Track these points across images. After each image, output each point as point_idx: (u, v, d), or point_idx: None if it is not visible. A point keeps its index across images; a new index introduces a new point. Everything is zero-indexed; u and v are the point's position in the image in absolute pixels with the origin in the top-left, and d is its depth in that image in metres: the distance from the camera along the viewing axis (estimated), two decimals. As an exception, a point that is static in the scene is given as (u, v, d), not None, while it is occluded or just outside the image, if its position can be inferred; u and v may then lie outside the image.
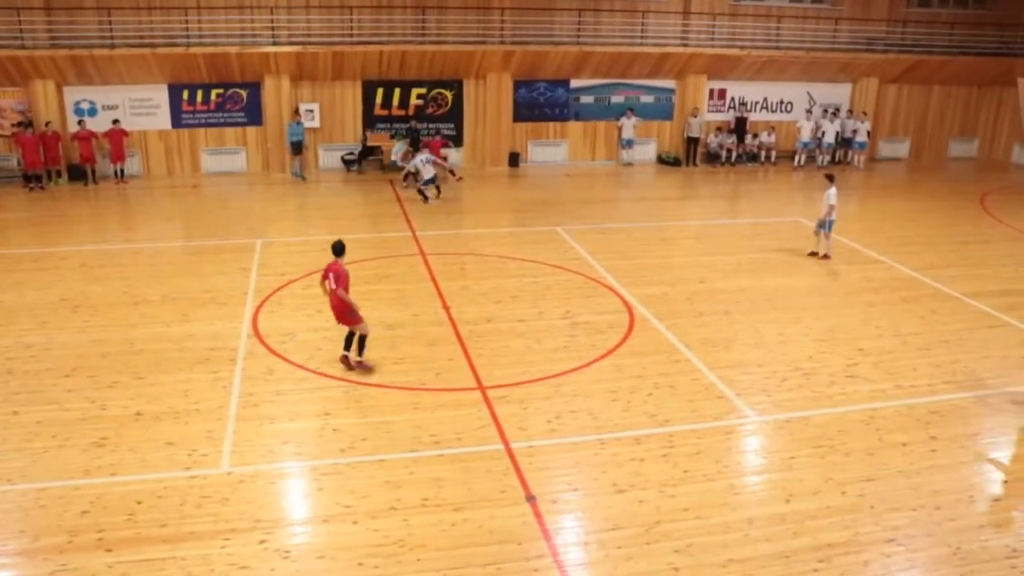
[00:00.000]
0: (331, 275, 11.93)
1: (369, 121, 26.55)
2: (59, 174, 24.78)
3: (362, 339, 12.35)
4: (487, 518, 8.94)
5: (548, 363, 12.69)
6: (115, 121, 24.57)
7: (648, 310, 14.86)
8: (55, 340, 13.55)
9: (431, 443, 10.40)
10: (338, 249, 12.15)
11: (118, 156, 24.66)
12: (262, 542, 8.58)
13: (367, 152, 26.05)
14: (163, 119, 25.46)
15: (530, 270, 16.94)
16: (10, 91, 24.41)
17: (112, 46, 23.88)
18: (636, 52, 27.00)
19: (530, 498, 9.27)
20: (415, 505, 9.15)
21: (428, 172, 22.58)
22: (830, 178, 17.88)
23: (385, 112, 26.57)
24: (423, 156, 22.87)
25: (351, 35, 25.18)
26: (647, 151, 29.10)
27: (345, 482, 9.60)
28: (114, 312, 14.68)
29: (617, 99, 28.22)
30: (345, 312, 12.08)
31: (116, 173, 24.85)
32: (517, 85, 27.19)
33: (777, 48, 28.12)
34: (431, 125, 26.83)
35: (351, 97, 26.37)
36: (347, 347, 12.49)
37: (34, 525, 8.94)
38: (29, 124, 24.06)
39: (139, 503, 9.25)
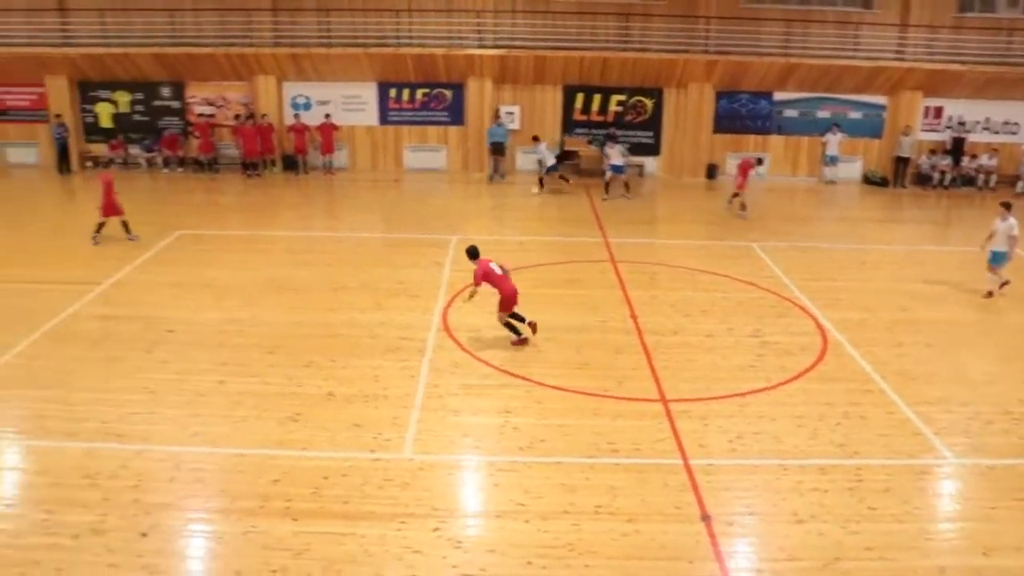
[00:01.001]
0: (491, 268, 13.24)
1: (568, 125, 26.76)
2: (273, 163, 26.45)
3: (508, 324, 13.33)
4: (660, 532, 8.76)
5: (734, 381, 12.32)
6: (327, 116, 25.96)
7: (843, 335, 14.15)
8: (260, 318, 14.41)
9: (609, 451, 10.31)
10: (473, 253, 13.62)
11: (328, 149, 26.05)
12: (436, 529, 8.77)
13: (564, 156, 26.22)
14: (371, 115, 26.65)
15: (721, 285, 16.52)
16: (236, 85, 26.28)
17: (329, 45, 25.26)
18: (846, 65, 25.80)
19: (705, 517, 9.02)
20: (588, 511, 9.09)
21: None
22: (1007, 206, 16.33)
23: (584, 117, 26.69)
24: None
25: (554, 40, 25.45)
26: (852, 169, 27.72)
27: (521, 480, 9.67)
28: (315, 296, 15.45)
29: (823, 114, 27.06)
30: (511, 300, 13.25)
31: (325, 165, 26.26)
32: (718, 96, 26.64)
33: (1005, 64, 26.13)
34: (629, 132, 26.70)
35: (551, 101, 26.66)
36: (516, 328, 13.37)
37: (232, 487, 9.56)
38: (250, 116, 25.90)
39: (325, 478, 9.69)
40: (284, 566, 8.23)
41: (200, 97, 26.61)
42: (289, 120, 26.26)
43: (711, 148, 27.13)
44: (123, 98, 26.86)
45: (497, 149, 25.94)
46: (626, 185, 23.84)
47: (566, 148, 26.59)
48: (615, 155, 23.70)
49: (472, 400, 11.61)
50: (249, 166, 25.95)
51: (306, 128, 25.88)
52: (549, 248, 18.75)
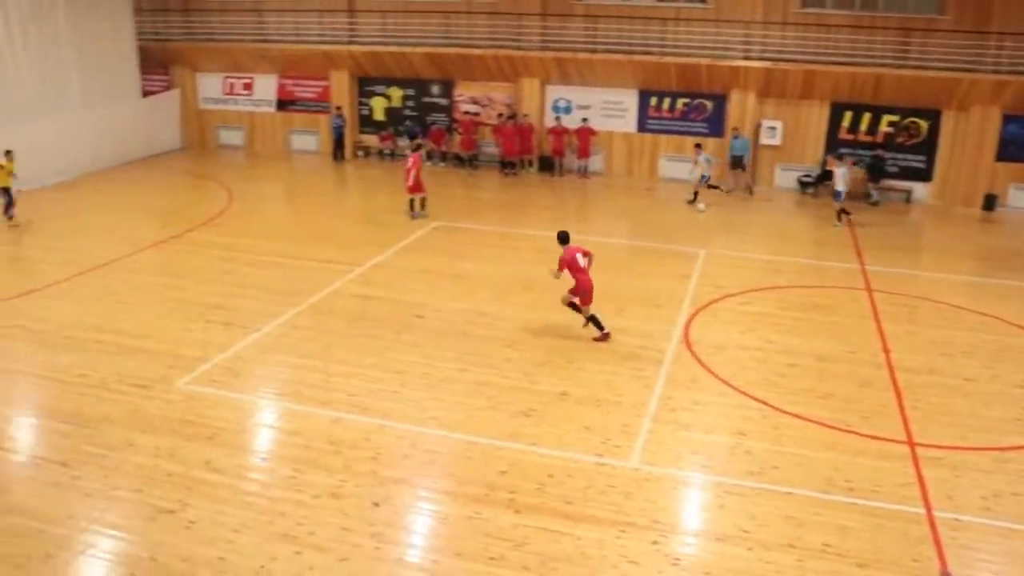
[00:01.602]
0: (577, 258, 13.63)
1: (832, 144, 25.55)
2: (531, 163, 27.22)
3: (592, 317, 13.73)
4: (893, 582, 8.23)
5: (994, 432, 11.29)
6: (584, 120, 26.35)
7: None
8: (505, 312, 14.89)
9: (844, 488, 9.78)
10: (563, 238, 14.05)
11: (584, 153, 26.45)
12: (655, 543, 8.70)
13: (825, 176, 25.09)
14: (630, 122, 26.75)
15: (990, 326, 15.18)
16: (502, 86, 27.27)
17: (594, 51, 25.65)
18: None
19: (945, 574, 8.35)
20: (815, 548, 8.67)
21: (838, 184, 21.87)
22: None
23: (850, 137, 25.37)
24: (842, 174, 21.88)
25: (825, 54, 24.39)
26: None
27: (747, 506, 9.39)
28: (559, 296, 15.69)
29: None
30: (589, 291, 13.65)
31: (580, 169, 26.67)
32: (1006, 120, 24.40)
33: None
34: (900, 155, 25.12)
35: (816, 118, 25.58)
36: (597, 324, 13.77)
37: (461, 472, 9.96)
38: (512, 116, 26.81)
39: (550, 476, 9.86)
40: (502, 555, 8.47)
41: (467, 96, 27.87)
42: (549, 122, 26.92)
43: (992, 177, 24.91)
44: (396, 93, 28.67)
45: (736, 163, 25.27)
46: (839, 214, 21.92)
47: (827, 168, 25.39)
48: (839, 179, 21.73)
49: (706, 417, 11.40)
50: (507, 165, 26.87)
51: (565, 131, 26.44)
52: (799, 270, 18.03)
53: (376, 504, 9.34)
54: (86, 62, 26.77)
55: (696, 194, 23.45)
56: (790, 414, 11.53)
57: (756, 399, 11.94)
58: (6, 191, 20.03)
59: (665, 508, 9.39)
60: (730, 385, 12.36)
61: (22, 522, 9.04)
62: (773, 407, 11.71)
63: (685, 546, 8.77)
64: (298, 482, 9.75)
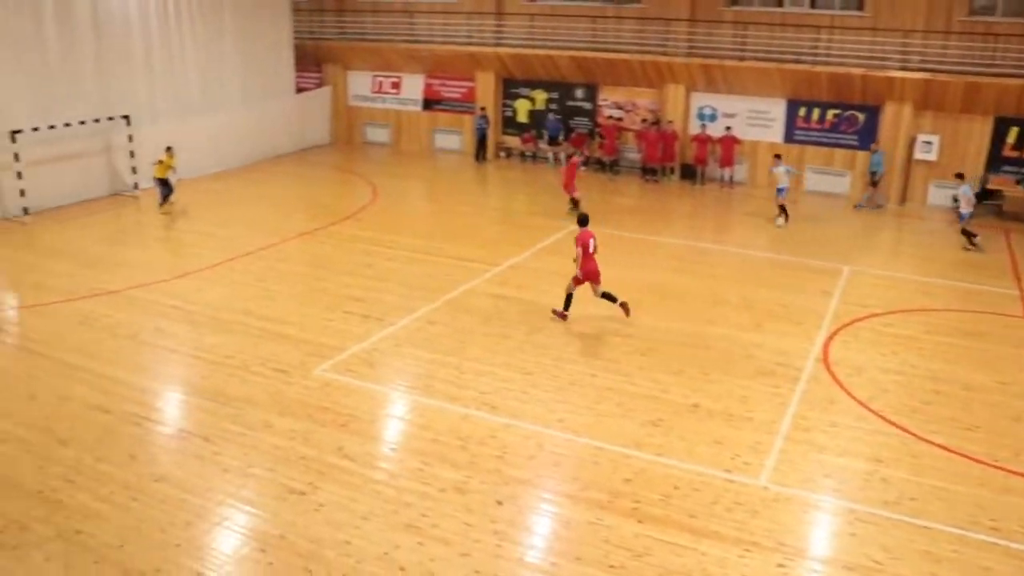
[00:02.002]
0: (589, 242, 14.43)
1: (994, 162, 24.18)
2: (672, 170, 26.89)
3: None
4: (1040, 631, 7.74)
5: None
6: (728, 128, 25.82)
7: None
8: (639, 320, 14.77)
9: (988, 527, 9.24)
10: (583, 221, 14.81)
11: (727, 161, 25.90)
12: (780, 566, 8.46)
13: (985, 195, 23.79)
14: (776, 132, 26.04)
15: None
16: (646, 91, 27.06)
17: (742, 58, 25.11)
18: None
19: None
20: (954, 587, 8.26)
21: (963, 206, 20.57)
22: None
23: (1015, 154, 23.93)
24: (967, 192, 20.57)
25: (990, 65, 23.09)
26: None
27: (880, 536, 9.01)
28: (694, 306, 15.52)
29: None
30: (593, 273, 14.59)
31: (723, 178, 26.15)
32: None
33: None
34: (1068, 175, 23.55)
35: (977, 133, 24.24)
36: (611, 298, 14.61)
37: (585, 476, 9.95)
38: (655, 122, 26.57)
39: (676, 488, 9.73)
40: (623, 564, 8.41)
41: (611, 100, 27.77)
42: (693, 130, 26.53)
43: None
44: (540, 96, 28.84)
45: (872, 179, 24.24)
46: (968, 237, 20.44)
47: (988, 187, 24.05)
48: (964, 200, 20.45)
49: (841, 441, 11.00)
50: (648, 171, 26.64)
51: (709, 139, 25.99)
52: (949, 292, 17.15)
53: (500, 502, 9.43)
54: (246, 59, 28.14)
55: (781, 208, 22.16)
56: (932, 443, 10.98)
57: (896, 425, 11.44)
58: (165, 182, 21.29)
59: (792, 531, 9.11)
60: (868, 408, 11.88)
61: (167, 490, 9.58)
62: (913, 435, 11.19)
63: (812, 572, 8.49)
64: (425, 474, 9.94)
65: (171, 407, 11.85)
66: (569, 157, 21.59)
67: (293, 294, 15.86)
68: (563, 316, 14.69)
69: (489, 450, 10.52)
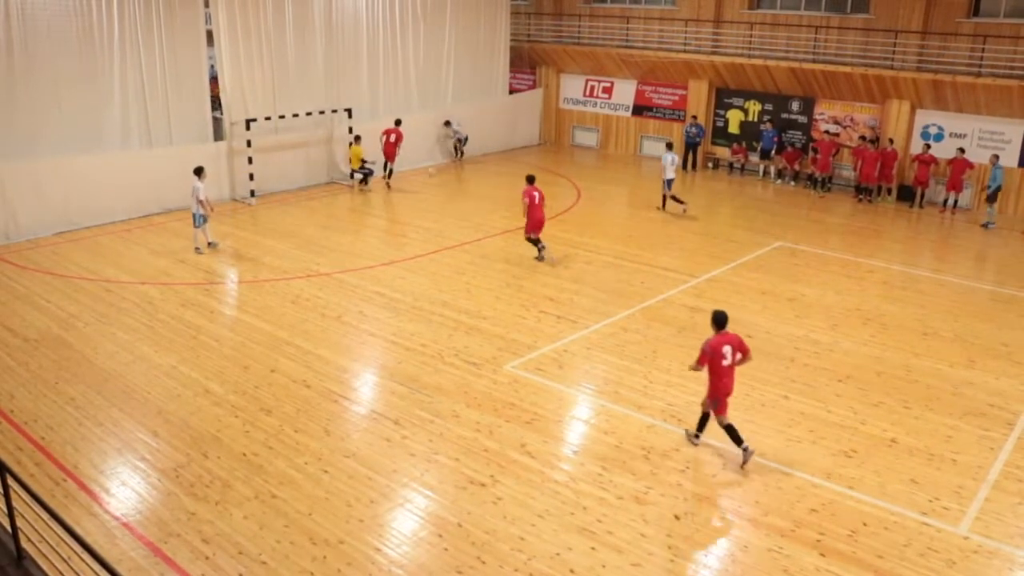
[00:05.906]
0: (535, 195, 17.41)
1: None
2: (889, 191, 25.40)
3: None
4: None
5: None
6: (960, 150, 23.96)
7: None
8: (839, 345, 14.12)
9: None
10: (531, 180, 17.76)
11: (955, 185, 23.93)
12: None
13: None
14: (1012, 156, 23.99)
15: None
16: (866, 107, 25.74)
17: (978, 74, 23.35)
18: None
19: None
20: None
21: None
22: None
23: None
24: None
25: None
26: None
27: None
28: (901, 335, 14.64)
29: None
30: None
31: (946, 202, 24.37)
32: None
33: None
34: None
35: None
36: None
37: (768, 502, 9.63)
38: (874, 140, 25.20)
39: (864, 524, 9.26)
40: (802, 597, 8.08)
41: (828, 115, 26.64)
42: (915, 149, 24.94)
43: None
44: (753, 107, 28.06)
45: (991, 198, 22.40)
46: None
47: None
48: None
49: (1058, 495, 10.08)
50: (862, 191, 25.31)
51: (933, 160, 24.33)
52: None
53: (677, 517, 9.29)
54: (463, 59, 29.21)
55: (664, 199, 22.76)
56: None
57: None
58: (362, 167, 23.71)
59: (993, 587, 8.45)
60: (1096, 464, 10.82)
61: (355, 466, 10.08)
62: None
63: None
64: (604, 480, 9.94)
65: (366, 388, 12.45)
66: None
67: (490, 289, 16.25)
68: (539, 258, 17.78)
69: (672, 463, 10.39)
